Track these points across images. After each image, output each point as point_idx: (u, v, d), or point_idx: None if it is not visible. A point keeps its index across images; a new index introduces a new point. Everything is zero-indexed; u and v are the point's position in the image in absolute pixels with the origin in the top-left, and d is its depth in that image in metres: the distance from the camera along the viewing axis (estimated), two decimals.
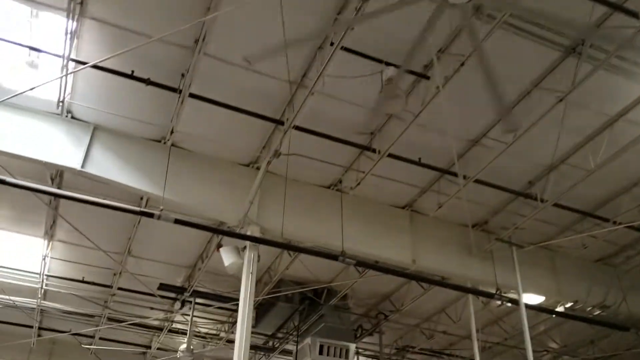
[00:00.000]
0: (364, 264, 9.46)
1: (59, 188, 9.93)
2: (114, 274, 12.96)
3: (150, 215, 8.43)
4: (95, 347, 15.93)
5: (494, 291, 10.38)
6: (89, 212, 10.89)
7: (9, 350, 15.42)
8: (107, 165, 8.88)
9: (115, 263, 12.26)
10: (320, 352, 12.94)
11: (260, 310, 13.60)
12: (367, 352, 15.82)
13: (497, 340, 14.69)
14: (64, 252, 12.28)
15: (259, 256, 9.08)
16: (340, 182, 10.06)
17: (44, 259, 11.86)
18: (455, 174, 9.32)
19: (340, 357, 13.09)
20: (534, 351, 14.83)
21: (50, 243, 11.96)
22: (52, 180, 9.66)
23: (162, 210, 8.53)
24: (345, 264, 10.28)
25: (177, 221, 8.51)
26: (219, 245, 11.04)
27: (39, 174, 9.59)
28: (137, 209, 8.50)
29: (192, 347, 12.21)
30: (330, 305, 13.11)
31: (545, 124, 8.38)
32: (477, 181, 9.48)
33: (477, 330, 12.82)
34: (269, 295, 12.65)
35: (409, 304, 12.89)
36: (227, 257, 9.13)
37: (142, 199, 10.06)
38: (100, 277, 13.06)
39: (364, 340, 14.90)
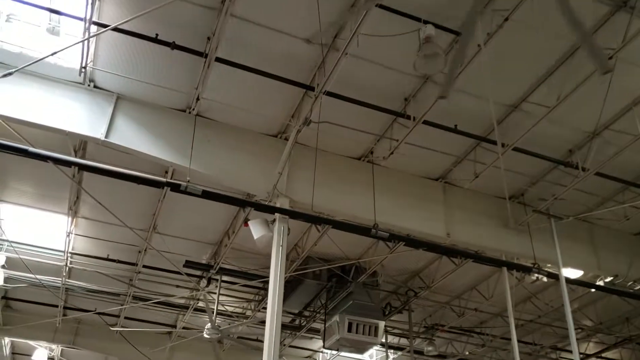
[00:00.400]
0: (396, 238, 9.09)
1: (82, 155, 9.70)
2: (139, 252, 12.77)
3: (177, 186, 8.14)
4: (120, 328, 15.86)
5: (530, 265, 9.93)
6: (113, 187, 10.69)
7: (35, 330, 15.41)
8: (131, 136, 8.59)
9: (140, 240, 12.05)
10: (349, 330, 12.67)
11: (287, 288, 13.31)
12: (395, 331, 15.52)
13: (530, 317, 14.28)
14: (88, 229, 12.09)
15: (288, 229, 8.76)
16: (372, 152, 9.68)
17: (68, 235, 11.68)
18: (492, 142, 8.89)
19: (369, 334, 12.83)
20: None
21: (74, 220, 11.77)
22: (75, 152, 9.42)
23: (188, 181, 8.24)
24: (376, 239, 10.01)
25: (204, 193, 8.22)
26: (247, 220, 10.73)
27: (61, 147, 9.35)
28: (163, 179, 8.22)
29: (218, 324, 11.97)
30: (358, 282, 12.80)
31: (591, 86, 7.91)
32: (516, 149, 9.04)
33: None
34: (297, 272, 12.37)
35: (440, 280, 12.51)
36: (256, 230, 8.82)
37: (166, 172, 9.80)
38: (125, 255, 12.87)
39: (392, 318, 14.60)
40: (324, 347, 13.23)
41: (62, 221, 11.74)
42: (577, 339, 15.05)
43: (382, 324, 12.92)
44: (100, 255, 12.79)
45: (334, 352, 17.12)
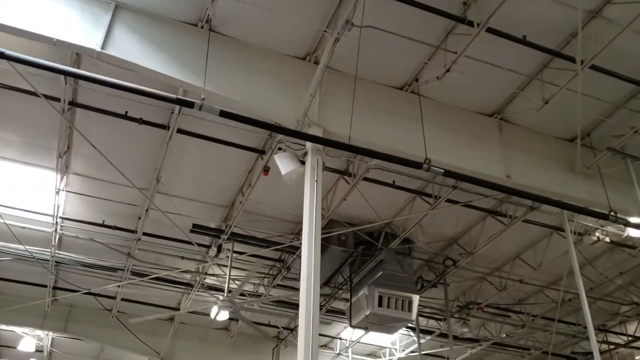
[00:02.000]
0: (453, 175, 7.56)
1: (75, 83, 8.16)
2: (139, 218, 11.18)
3: (190, 104, 6.59)
4: (117, 312, 14.23)
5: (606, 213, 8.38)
6: (110, 132, 9.22)
7: (22, 314, 13.76)
8: (133, 49, 7.04)
9: (141, 200, 10.53)
10: (380, 304, 11.13)
11: None
12: (425, 311, 13.93)
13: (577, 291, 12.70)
14: (81, 188, 10.50)
15: (323, 164, 7.22)
16: (417, 80, 8.16)
17: (58, 193, 10.07)
18: (567, 57, 7.41)
19: (402, 309, 11.29)
20: (622, 303, 13.01)
21: (65, 177, 10.19)
22: (66, 77, 7.87)
23: (203, 99, 6.70)
24: (429, 175, 8.47)
25: (222, 113, 6.67)
26: (266, 168, 9.23)
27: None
28: (173, 96, 6.65)
29: (231, 295, 10.36)
30: (390, 248, 11.25)
31: None
32: (594, 68, 7.53)
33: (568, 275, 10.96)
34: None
35: (485, 244, 10.96)
36: (284, 164, 7.28)
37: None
38: (123, 221, 11.29)
39: (423, 295, 13.03)
40: (350, 324, 11.63)
41: (50, 179, 10.16)
42: (627, 317, 13.59)
43: (416, 298, 11.39)
44: (95, 221, 11.20)
45: (353, 339, 15.58)
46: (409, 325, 14.35)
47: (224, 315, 12.86)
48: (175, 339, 15.23)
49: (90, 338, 14.80)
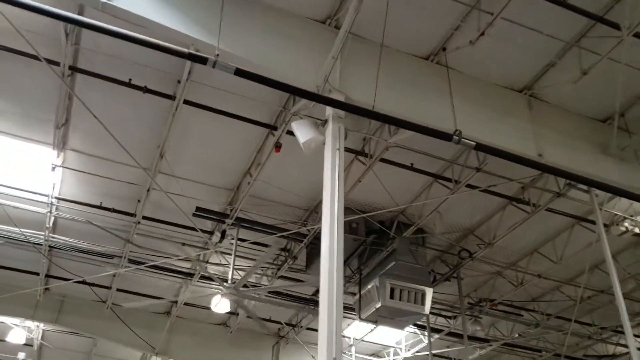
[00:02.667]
0: (486, 149, 6.99)
1: (76, 43, 7.57)
2: (138, 201, 10.56)
3: (203, 60, 5.99)
4: (113, 304, 13.57)
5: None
6: (112, 101, 8.61)
7: (12, 304, 13.06)
8: (140, 1, 6.44)
9: (142, 178, 9.90)
10: (392, 296, 10.53)
11: (315, 249, 11.15)
12: (433, 307, 13.27)
13: (598, 288, 12.16)
14: (79, 166, 9.87)
15: (345, 133, 6.64)
16: (444, 49, 7.60)
17: (54, 169, 9.44)
18: (609, 23, 6.87)
19: (415, 302, 10.69)
20: None
21: (62, 153, 9.56)
22: (67, 33, 7.27)
23: (217, 55, 6.11)
24: (459, 148, 7.90)
25: (238, 72, 6.07)
26: (278, 145, 8.64)
27: (50, 29, 7.30)
28: (185, 50, 6.05)
29: (236, 284, 9.71)
30: (404, 237, 10.66)
31: None
32: (637, 35, 6.99)
33: (591, 269, 10.40)
34: None
35: (504, 234, 10.37)
36: (302, 132, 6.68)
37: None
38: (122, 203, 10.66)
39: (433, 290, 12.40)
40: (359, 317, 11.02)
41: (46, 155, 9.54)
42: None
43: (429, 292, 10.79)
44: (92, 203, 10.56)
45: (357, 337, 14.96)
46: (417, 322, 13.80)
47: (224, 307, 12.20)
48: (172, 334, 14.57)
49: (83, 330, 14.12)
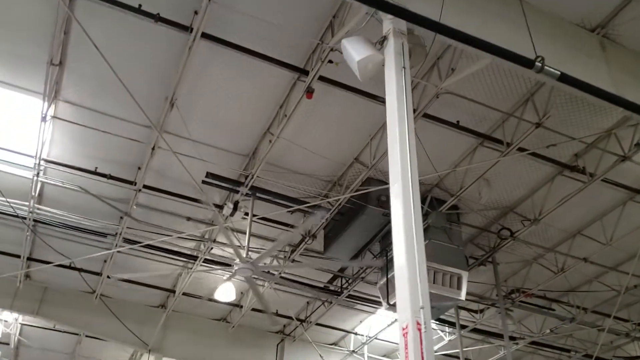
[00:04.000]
0: (570, 80, 5.86)
1: None
2: (138, 168, 9.28)
3: None
4: (100, 293, 12.17)
5: None
6: (116, 35, 7.35)
7: None
8: None
9: (145, 136, 8.63)
10: None
11: (337, 225, 9.93)
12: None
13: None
14: (73, 119, 8.56)
15: (410, 51, 5.46)
16: None
17: (44, 119, 8.10)
18: None
19: (450, 286, 9.49)
20: None
21: (54, 105, 8.26)
22: None
23: None
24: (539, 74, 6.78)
25: None
26: (310, 90, 7.43)
27: None
28: None
29: (255, 259, 8.37)
30: (440, 212, 9.49)
31: None
32: None
33: None
34: (358, 192, 8.99)
35: (553, 209, 9.24)
36: (357, 50, 5.46)
37: None
38: (120, 170, 9.36)
39: None
40: (388, 303, 9.76)
41: (35, 108, 8.22)
42: None
43: (465, 275, 9.61)
44: (86, 167, 9.23)
45: (370, 335, 13.67)
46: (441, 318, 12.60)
47: (229, 295, 11.00)
48: (167, 329, 13.17)
49: (67, 323, 12.67)
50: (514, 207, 9.82)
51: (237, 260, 8.05)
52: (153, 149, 8.49)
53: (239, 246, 8.44)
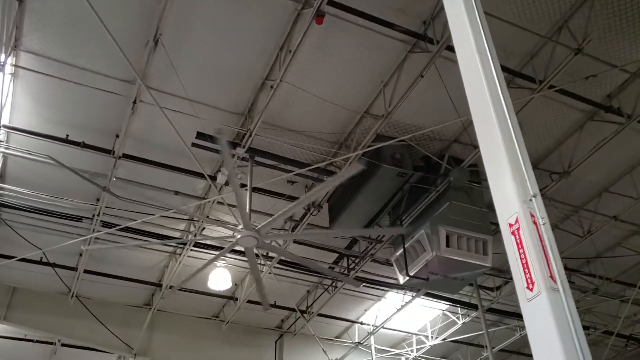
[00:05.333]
0: None
1: None
2: (116, 136, 8.08)
3: None
4: (76, 292, 10.81)
5: None
6: None
7: None
8: None
9: (124, 89, 7.44)
10: (448, 244, 8.32)
11: (347, 190, 8.83)
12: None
13: None
14: (34, 78, 7.34)
15: None
16: None
17: (2, 68, 6.82)
18: None
19: (476, 252, 8.51)
20: None
21: (13, 55, 7.02)
22: None
23: None
24: None
25: None
26: (321, 14, 6.37)
27: None
28: None
29: (260, 227, 7.18)
30: (462, 168, 8.50)
31: None
32: None
33: None
34: (371, 148, 7.94)
35: (584, 158, 8.34)
36: None
37: None
38: (95, 138, 8.11)
39: None
40: (407, 274, 8.68)
41: None
42: None
43: (490, 240, 8.64)
44: (55, 135, 7.97)
45: (377, 325, 12.55)
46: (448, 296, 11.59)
47: (225, 282, 9.86)
48: (153, 331, 11.86)
49: (41, 329, 11.24)
50: (539, 163, 8.88)
51: (241, 227, 6.87)
52: (135, 102, 7.28)
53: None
